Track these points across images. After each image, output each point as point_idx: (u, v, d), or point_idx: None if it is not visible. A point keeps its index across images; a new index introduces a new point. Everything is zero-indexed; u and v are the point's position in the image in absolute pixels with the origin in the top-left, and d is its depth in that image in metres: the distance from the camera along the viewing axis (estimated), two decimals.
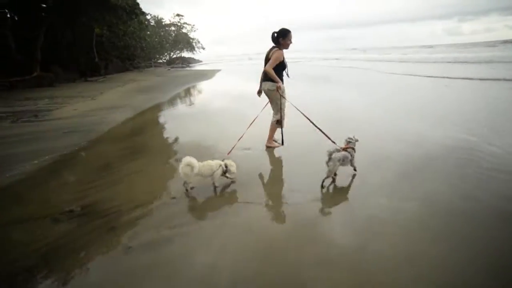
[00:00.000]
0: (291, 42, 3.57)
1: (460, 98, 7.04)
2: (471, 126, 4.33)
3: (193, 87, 12.82)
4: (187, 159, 2.57)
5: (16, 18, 14.91)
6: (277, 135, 3.85)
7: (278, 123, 3.72)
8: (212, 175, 2.70)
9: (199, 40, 45.43)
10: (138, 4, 16.98)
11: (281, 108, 3.63)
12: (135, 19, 19.25)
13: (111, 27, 19.51)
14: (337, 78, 13.32)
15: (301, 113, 3.39)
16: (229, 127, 4.96)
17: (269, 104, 3.79)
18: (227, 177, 2.80)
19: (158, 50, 28.20)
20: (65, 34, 17.97)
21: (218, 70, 23.29)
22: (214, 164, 2.73)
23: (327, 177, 2.71)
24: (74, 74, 19.33)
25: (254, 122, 3.63)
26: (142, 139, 4.79)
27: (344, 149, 2.74)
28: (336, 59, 31.60)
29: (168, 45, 39.26)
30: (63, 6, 14.69)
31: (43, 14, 15.12)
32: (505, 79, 8.87)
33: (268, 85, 3.59)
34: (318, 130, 3.16)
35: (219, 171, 2.73)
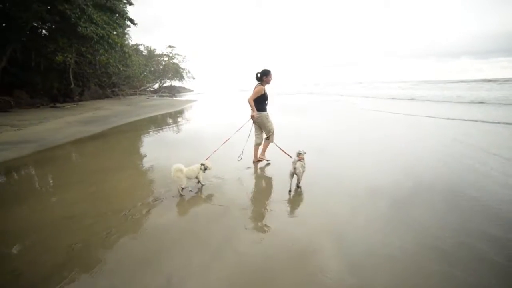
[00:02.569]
0: (271, 79, 4.39)
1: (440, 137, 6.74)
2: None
3: (144, 119, 12.40)
4: (177, 165, 3.28)
5: None
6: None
7: (268, 139, 4.61)
8: (197, 176, 3.53)
9: (190, 70, 46.72)
10: (113, 34, 17.23)
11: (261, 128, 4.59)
12: (116, 49, 19.60)
13: (87, 55, 19.79)
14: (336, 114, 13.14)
15: (267, 138, 4.62)
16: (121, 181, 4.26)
17: (247, 126, 4.77)
18: (200, 182, 3.62)
19: (140, 79, 28.60)
20: (37, 59, 18.01)
21: (193, 101, 23.24)
22: (195, 167, 3.53)
23: (298, 183, 3.52)
24: (43, 99, 19.06)
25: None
26: None
27: (300, 160, 3.49)
28: (337, 94, 31.92)
29: (157, 73, 40.19)
30: (25, 32, 14.90)
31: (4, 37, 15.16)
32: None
33: (256, 114, 4.38)
34: (279, 148, 4.46)
35: (201, 172, 3.56)
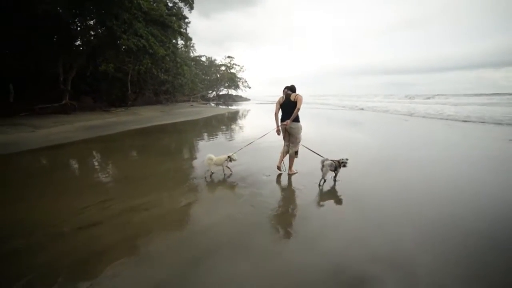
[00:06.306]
0: None
1: None
2: None
3: (149, 127, 12.27)
4: (209, 155, 4.39)
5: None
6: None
7: (296, 153, 4.70)
8: (222, 164, 4.52)
9: (246, 79, 47.70)
10: (156, 44, 18.29)
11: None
12: (167, 59, 21.07)
13: (129, 65, 21.79)
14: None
15: (303, 145, 4.80)
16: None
17: (270, 135, 5.33)
18: (229, 168, 4.65)
19: (190, 87, 30.36)
20: (92, 69, 20.78)
21: (233, 109, 22.79)
22: (223, 157, 4.51)
23: (323, 179, 4.23)
24: (103, 104, 21.92)
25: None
26: None
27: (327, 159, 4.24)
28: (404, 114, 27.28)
29: (214, 82, 42.43)
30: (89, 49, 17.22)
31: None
32: None
33: (292, 124, 4.50)
34: (311, 151, 4.70)
35: (227, 162, 4.54)
